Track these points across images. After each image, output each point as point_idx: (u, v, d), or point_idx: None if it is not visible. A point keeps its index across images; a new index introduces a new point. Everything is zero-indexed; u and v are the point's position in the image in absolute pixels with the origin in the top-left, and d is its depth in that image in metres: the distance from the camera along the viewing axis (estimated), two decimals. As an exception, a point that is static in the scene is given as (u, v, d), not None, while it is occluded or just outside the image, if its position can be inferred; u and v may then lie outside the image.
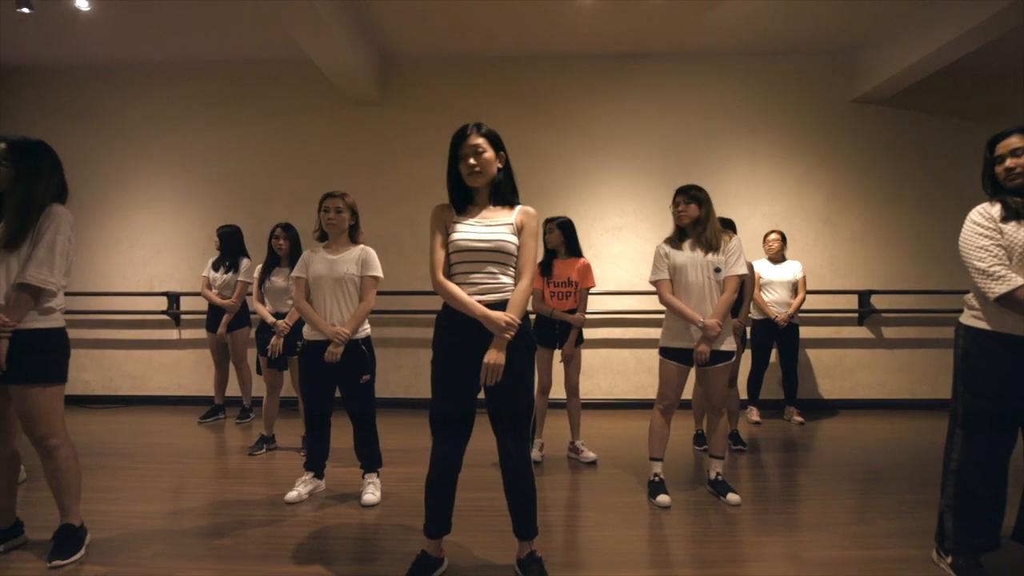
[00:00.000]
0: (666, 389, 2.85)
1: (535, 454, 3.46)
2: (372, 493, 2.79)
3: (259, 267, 3.67)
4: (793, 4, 4.40)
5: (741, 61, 5.23)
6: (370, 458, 2.86)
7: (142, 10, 4.44)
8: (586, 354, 4.80)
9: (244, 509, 2.70)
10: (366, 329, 2.81)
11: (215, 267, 4.41)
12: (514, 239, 1.91)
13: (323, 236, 2.83)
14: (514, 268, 1.93)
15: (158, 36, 4.89)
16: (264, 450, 3.65)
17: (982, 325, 1.95)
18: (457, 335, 1.89)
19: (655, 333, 3.53)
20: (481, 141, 1.88)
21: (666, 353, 2.84)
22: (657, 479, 2.85)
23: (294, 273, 2.82)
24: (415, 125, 5.25)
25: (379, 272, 2.79)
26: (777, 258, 4.50)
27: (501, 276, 1.90)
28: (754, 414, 4.52)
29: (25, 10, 3.80)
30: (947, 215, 5.18)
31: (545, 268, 3.46)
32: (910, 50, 4.53)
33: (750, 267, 3.77)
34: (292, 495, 2.79)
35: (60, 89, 5.41)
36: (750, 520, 2.59)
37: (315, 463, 2.91)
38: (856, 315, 5.20)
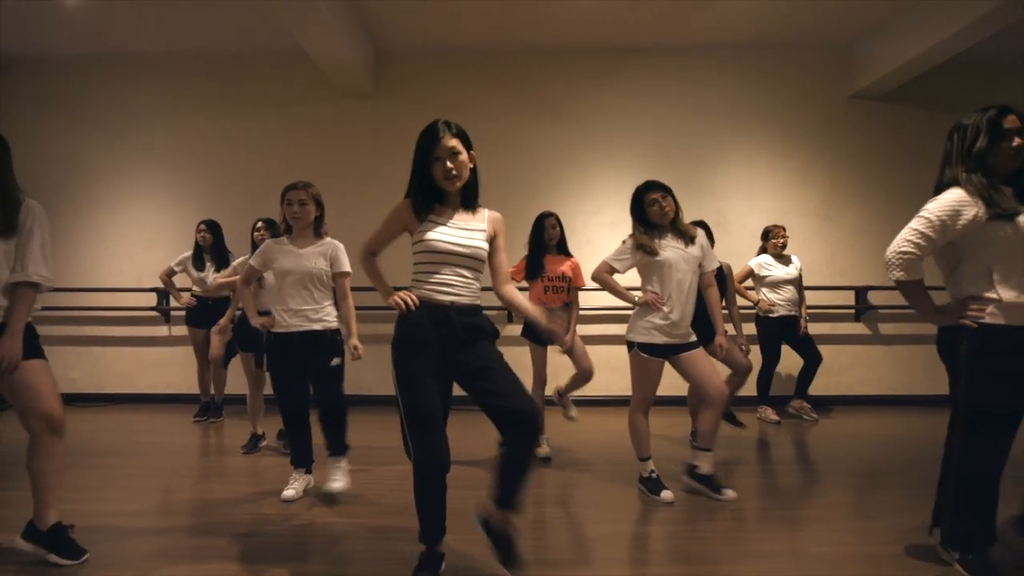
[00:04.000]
0: (648, 390, 2.78)
1: (544, 449, 3.44)
2: (339, 480, 2.69)
3: (241, 259, 3.67)
4: (792, -3, 4.36)
5: (740, 55, 5.18)
6: (338, 441, 2.74)
7: (130, -1, 4.35)
8: (583, 350, 4.75)
9: (231, 509, 2.63)
10: (334, 321, 2.77)
11: (197, 265, 4.30)
12: (486, 247, 1.91)
13: (289, 230, 2.78)
14: (480, 274, 1.93)
15: (146, 26, 4.80)
16: (259, 448, 3.57)
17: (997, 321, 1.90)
18: (424, 332, 1.82)
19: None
20: (456, 143, 1.81)
21: (650, 350, 2.71)
22: (655, 475, 2.79)
23: (251, 261, 2.79)
24: (410, 118, 5.01)
25: (349, 267, 2.77)
26: (783, 254, 4.43)
27: (473, 281, 1.91)
28: (770, 413, 4.41)
29: None
30: (945, 211, 5.14)
31: (535, 265, 3.41)
32: (910, 44, 4.49)
33: (738, 270, 3.68)
34: (289, 493, 2.72)
35: (47, 80, 5.30)
36: (752, 517, 2.54)
37: (302, 459, 2.82)
38: (853, 311, 5.17)
